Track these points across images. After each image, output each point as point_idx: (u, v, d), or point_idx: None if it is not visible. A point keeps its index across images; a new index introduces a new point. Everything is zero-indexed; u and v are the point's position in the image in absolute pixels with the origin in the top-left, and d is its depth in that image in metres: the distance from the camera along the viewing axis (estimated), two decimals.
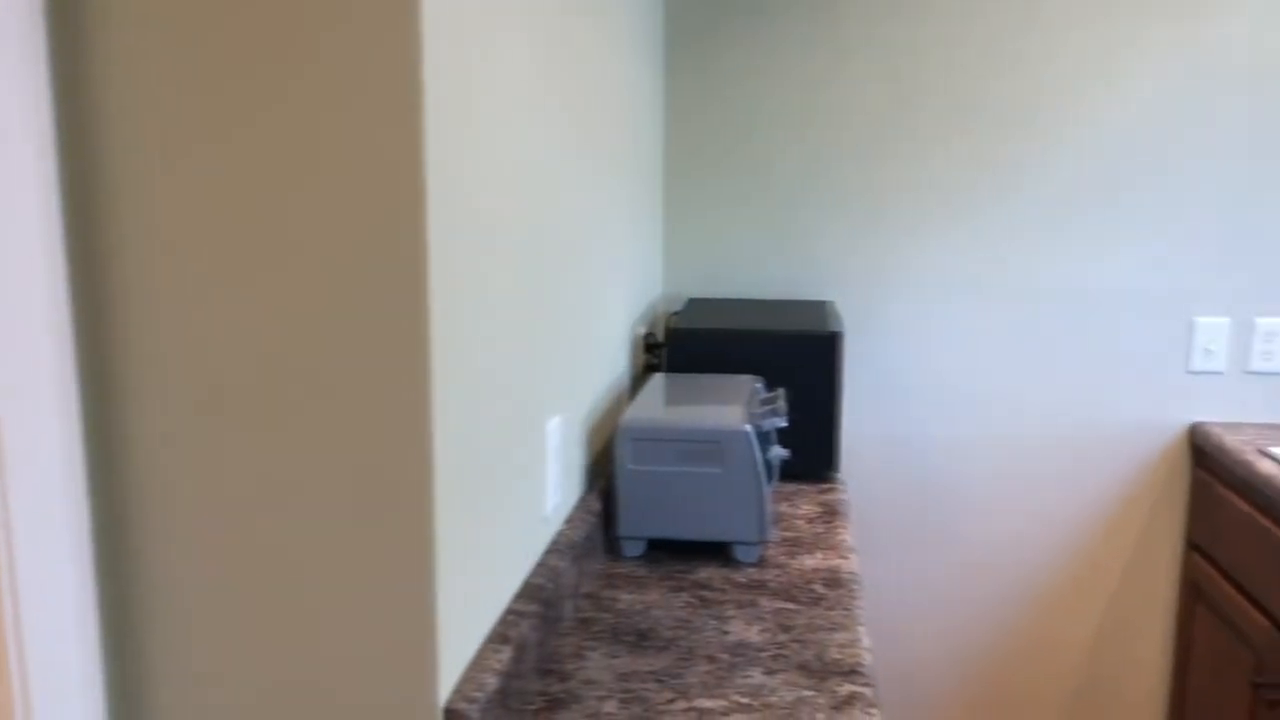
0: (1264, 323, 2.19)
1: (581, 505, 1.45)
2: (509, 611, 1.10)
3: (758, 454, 1.45)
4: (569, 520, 1.39)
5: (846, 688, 1.13)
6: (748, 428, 1.44)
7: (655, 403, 1.56)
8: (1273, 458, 1.96)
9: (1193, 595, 2.22)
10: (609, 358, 1.70)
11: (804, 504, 1.74)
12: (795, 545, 1.55)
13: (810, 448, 1.84)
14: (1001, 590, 2.36)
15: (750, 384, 1.67)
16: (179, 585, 0.88)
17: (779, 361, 1.82)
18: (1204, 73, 2.12)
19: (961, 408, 2.30)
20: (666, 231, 2.32)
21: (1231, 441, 2.07)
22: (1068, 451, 2.29)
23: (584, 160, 1.42)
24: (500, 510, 1.07)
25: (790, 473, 1.85)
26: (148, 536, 0.88)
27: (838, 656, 1.20)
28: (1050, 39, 2.15)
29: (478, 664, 0.98)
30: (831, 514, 1.69)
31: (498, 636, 1.04)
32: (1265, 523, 1.89)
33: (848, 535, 1.60)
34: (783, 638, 1.25)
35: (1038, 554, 2.34)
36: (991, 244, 2.24)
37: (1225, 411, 2.23)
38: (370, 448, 0.84)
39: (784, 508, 1.72)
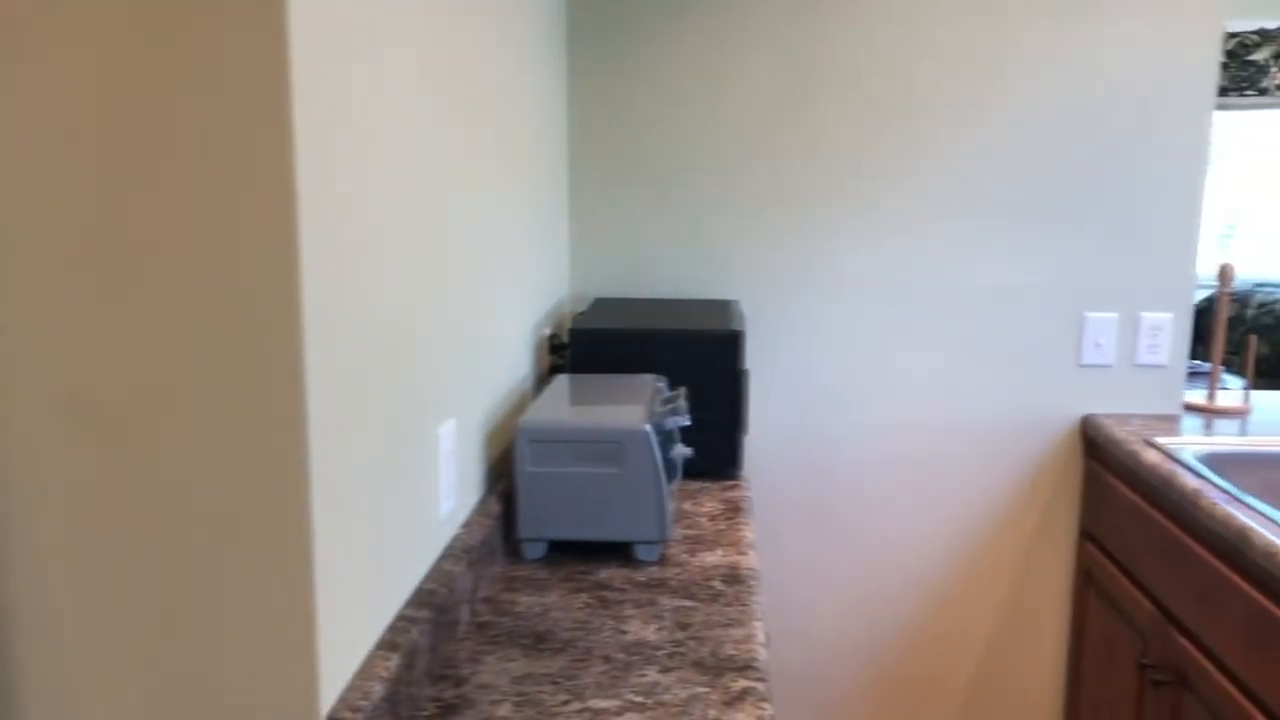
0: (1150, 317, 2.27)
1: (480, 509, 1.44)
2: (399, 618, 1.09)
3: (657, 453, 1.45)
4: (466, 524, 1.38)
5: (740, 683, 1.14)
6: (647, 427, 1.45)
7: (555, 404, 1.56)
8: (1157, 447, 2.03)
9: (1085, 582, 2.29)
10: (510, 360, 1.69)
11: (707, 502, 1.75)
12: (697, 543, 1.56)
13: (714, 446, 1.85)
14: (904, 581, 2.41)
15: (652, 383, 1.68)
16: (48, 597, 0.85)
17: (682, 361, 1.83)
18: (1092, 73, 2.19)
19: (863, 404, 2.34)
20: (573, 232, 2.32)
21: (1119, 432, 2.15)
22: (966, 445, 2.35)
23: (476, 160, 1.41)
24: (388, 517, 1.06)
25: (694, 471, 1.87)
26: (14, 546, 0.85)
27: (733, 653, 1.21)
28: (950, 40, 2.20)
29: (365, 672, 0.97)
30: (734, 511, 1.70)
31: (386, 644, 1.03)
32: (1149, 510, 1.96)
33: (749, 532, 1.61)
34: (680, 635, 1.25)
35: (939, 545, 2.39)
36: (893, 243, 2.28)
37: (1115, 403, 2.31)
38: (241, 455, 0.82)
39: (687, 505, 1.73)
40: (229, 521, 0.83)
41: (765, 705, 1.09)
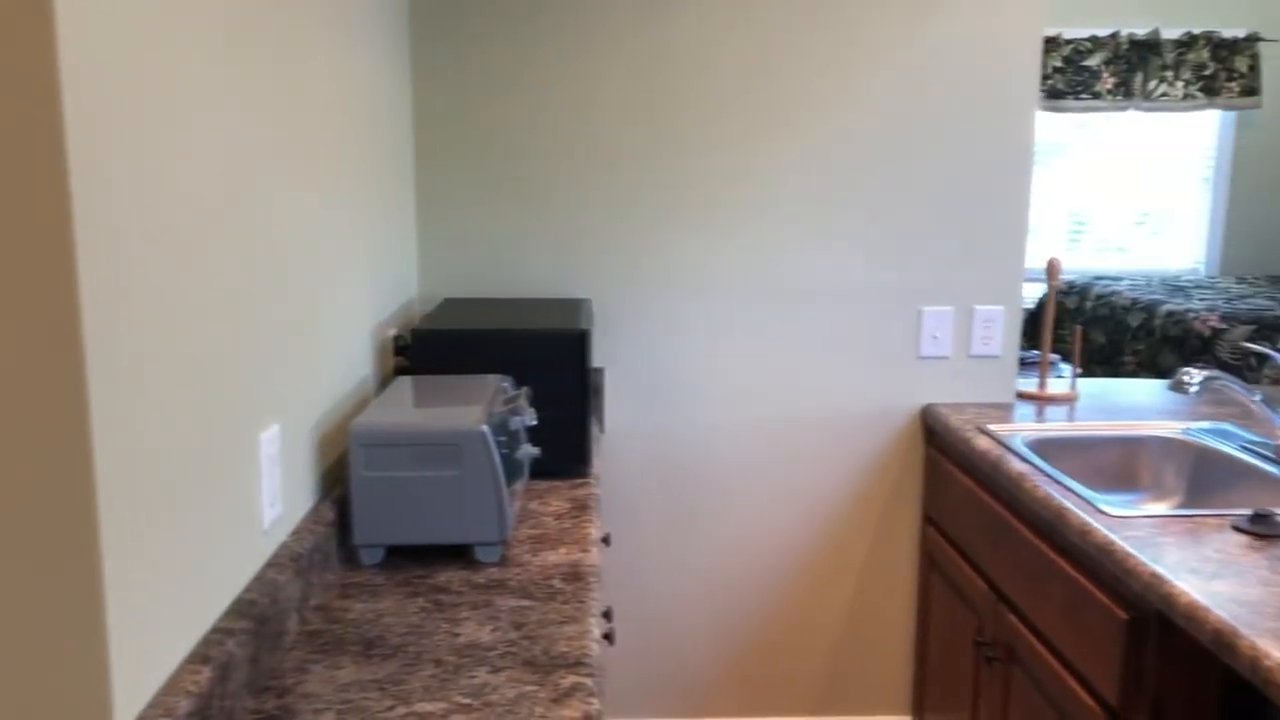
0: (982, 309, 2.37)
1: (312, 515, 1.41)
2: (215, 630, 1.05)
3: (495, 454, 1.45)
4: (296, 532, 1.34)
5: (570, 679, 1.14)
6: (484, 428, 1.44)
7: (391, 406, 1.53)
8: (988, 434, 2.13)
9: (929, 565, 2.39)
10: (349, 362, 1.66)
11: (554, 501, 1.75)
12: (540, 542, 1.56)
13: (562, 445, 1.85)
14: (762, 569, 2.46)
15: (496, 383, 1.67)
16: None
17: (528, 361, 1.83)
18: (923, 76, 2.28)
19: (718, 398, 2.38)
20: (422, 232, 2.29)
21: (954, 421, 2.24)
22: (816, 436, 2.41)
23: (300, 159, 1.38)
24: (199, 526, 1.02)
25: (543, 470, 1.86)
26: None
27: (565, 649, 1.21)
28: (789, 44, 2.25)
29: (171, 687, 0.94)
30: (581, 509, 1.71)
31: (198, 657, 1.00)
32: (981, 494, 2.05)
33: (594, 529, 1.62)
34: (514, 635, 1.25)
35: (793, 533, 2.45)
36: (743, 242, 2.33)
37: (953, 393, 2.41)
38: (13, 462, 0.78)
39: (534, 505, 1.73)
40: (6, 535, 0.79)
41: (593, 700, 1.10)
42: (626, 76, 2.25)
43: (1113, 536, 1.54)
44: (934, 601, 2.35)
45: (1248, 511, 1.59)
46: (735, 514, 2.44)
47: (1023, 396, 2.45)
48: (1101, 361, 4.71)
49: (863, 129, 2.29)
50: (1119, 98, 5.34)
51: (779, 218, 2.32)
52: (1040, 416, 2.29)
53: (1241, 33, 5.32)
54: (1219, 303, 4.36)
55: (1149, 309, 4.42)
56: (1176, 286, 4.90)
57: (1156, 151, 5.58)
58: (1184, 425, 2.18)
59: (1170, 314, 4.26)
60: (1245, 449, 2.00)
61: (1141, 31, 5.29)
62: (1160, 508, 2.08)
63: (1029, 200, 2.35)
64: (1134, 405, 2.38)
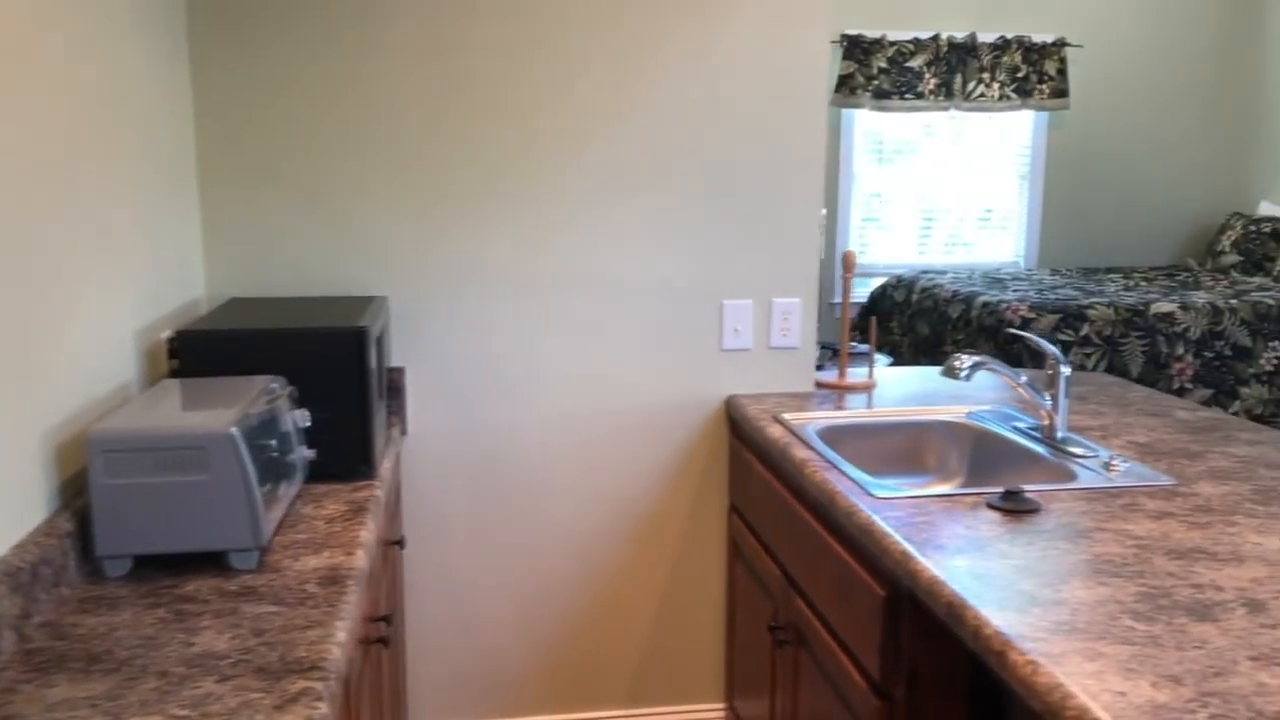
0: (780, 302, 2.43)
1: (44, 528, 1.33)
2: None
3: (246, 457, 1.40)
4: (19, 545, 1.27)
5: (299, 685, 1.11)
6: (232, 430, 1.39)
7: (140, 410, 1.46)
8: (781, 423, 2.18)
9: (734, 553, 2.43)
10: (101, 366, 1.58)
11: (331, 504, 1.71)
12: (304, 547, 1.52)
13: (342, 447, 1.81)
14: (575, 562, 2.46)
15: (264, 384, 1.62)
16: None
17: (304, 360, 1.77)
18: (719, 74, 2.32)
19: (526, 394, 2.37)
20: (209, 230, 2.20)
21: (752, 410, 2.28)
22: (624, 429, 2.43)
23: (30, 157, 1.30)
24: None
25: (324, 473, 1.81)
26: None
27: (303, 654, 1.18)
28: (588, 39, 2.26)
29: None
30: (357, 512, 1.67)
31: None
32: (774, 482, 2.10)
33: (366, 532, 1.58)
34: (252, 643, 1.21)
35: (605, 526, 2.46)
36: (544, 237, 2.32)
37: (754, 384, 2.46)
38: None
39: (308, 509, 1.68)
40: None
41: (319, 704, 1.07)
42: (421, 72, 2.21)
43: (874, 517, 1.59)
44: (739, 590, 2.40)
45: (1001, 489, 1.67)
46: (545, 509, 2.43)
47: (823, 386, 2.51)
48: (925, 351, 4.90)
49: (662, 126, 2.32)
50: (940, 98, 5.56)
51: (581, 213, 2.32)
52: (837, 405, 2.35)
53: (1051, 38, 5.61)
54: (1031, 294, 4.59)
55: (967, 300, 4.62)
56: (996, 279, 5.13)
57: (994, 151, 5.84)
58: (969, 409, 2.28)
59: (985, 305, 4.46)
60: (1017, 430, 2.10)
61: (960, 35, 5.53)
62: (943, 489, 2.17)
63: (821, 196, 2.42)
64: (930, 391, 2.47)
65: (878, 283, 5.56)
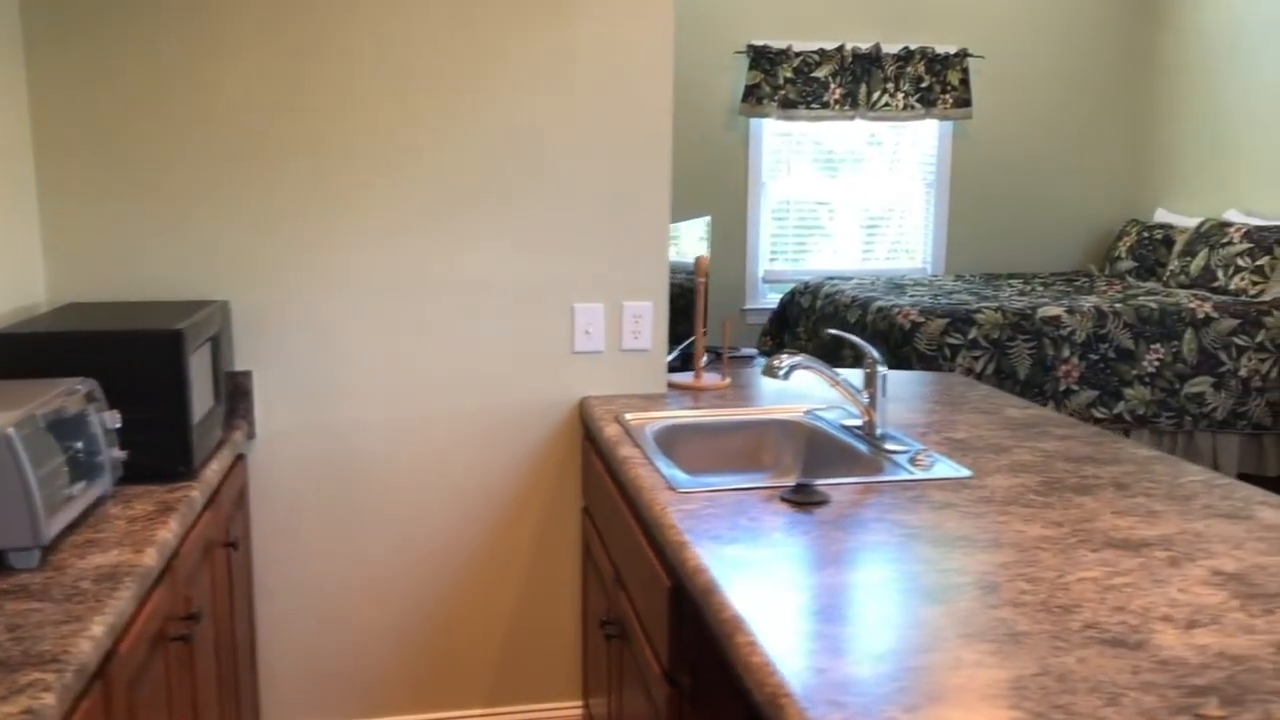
0: (631, 305, 2.48)
1: None
2: None
3: (23, 458, 1.41)
4: None
5: (31, 677, 1.13)
6: (9, 432, 1.40)
7: None
8: (621, 423, 2.22)
9: (586, 554, 2.47)
10: None
11: (141, 504, 1.72)
12: (96, 546, 1.53)
13: (159, 448, 1.82)
14: (433, 566, 2.49)
15: (66, 386, 1.63)
16: None
17: (122, 364, 1.79)
18: (566, 78, 2.36)
19: (379, 396, 2.40)
20: (46, 233, 2.20)
21: (599, 411, 2.33)
22: (478, 431, 2.46)
23: None
24: None
25: (145, 474, 1.82)
26: None
27: (47, 649, 1.20)
28: (429, 38, 2.29)
29: None
30: (164, 512, 1.69)
31: None
32: (608, 480, 2.14)
33: (165, 531, 1.60)
34: (2, 638, 1.23)
35: (462, 530, 2.49)
36: (395, 239, 2.35)
37: (607, 386, 2.50)
38: None
39: (117, 509, 1.69)
40: None
41: (45, 695, 1.09)
42: (266, 74, 2.23)
43: (666, 509, 1.64)
44: (591, 589, 2.43)
45: (793, 482, 1.73)
46: (401, 512, 2.45)
47: (676, 387, 2.56)
48: (827, 356, 4.98)
49: (511, 130, 2.35)
50: (846, 108, 5.66)
51: (432, 215, 2.36)
52: (687, 405, 2.40)
53: (953, 48, 5.74)
54: (925, 299, 4.69)
55: (864, 306, 4.71)
56: (897, 285, 5.24)
57: (905, 159, 5.95)
58: (808, 408, 2.34)
59: (880, 310, 4.55)
60: (844, 428, 2.16)
61: (865, 46, 5.64)
62: (757, 483, 2.22)
63: (669, 200, 2.47)
64: (780, 391, 2.52)
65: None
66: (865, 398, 2.08)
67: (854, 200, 5.96)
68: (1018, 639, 1.18)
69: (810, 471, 2.21)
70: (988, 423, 2.21)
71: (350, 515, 2.43)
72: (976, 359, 4.32)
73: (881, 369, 2.07)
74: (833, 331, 2.11)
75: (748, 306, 5.86)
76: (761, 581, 1.35)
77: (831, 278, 5.49)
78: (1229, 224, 5.03)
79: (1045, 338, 4.38)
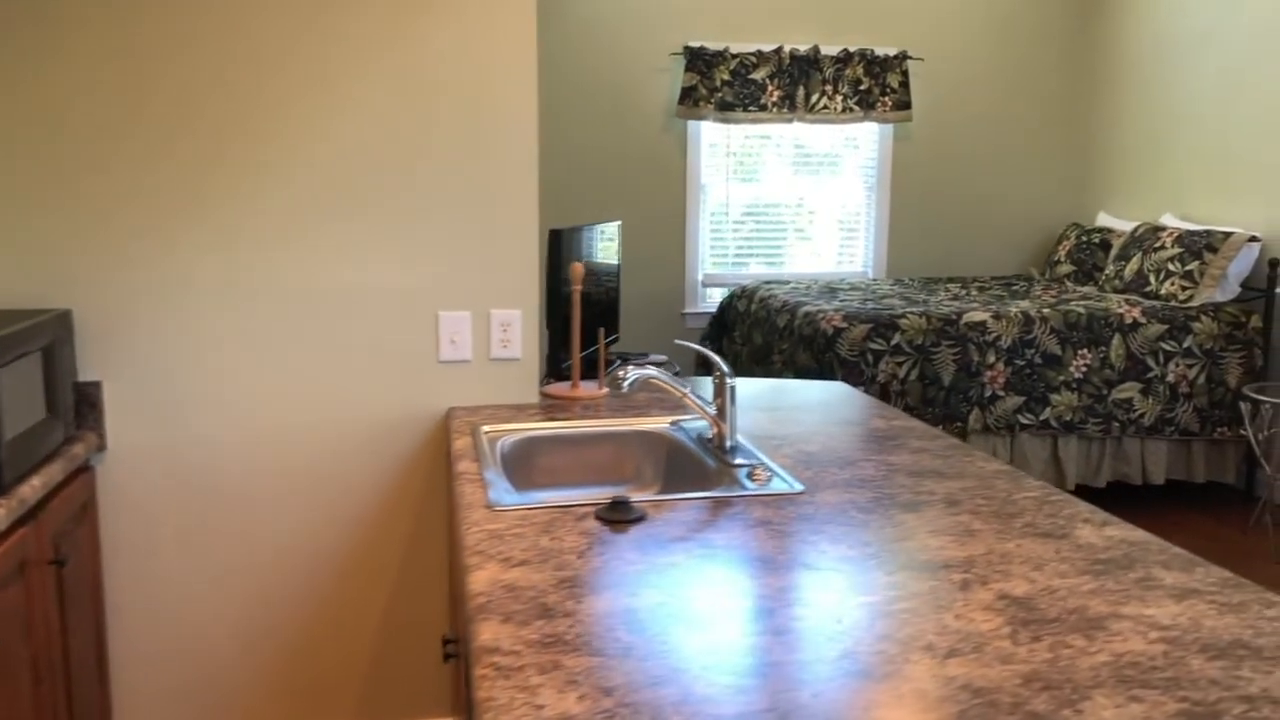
0: (499, 313, 2.43)
1: None
2: None
3: None
4: None
5: None
6: None
7: None
8: (473, 435, 2.17)
9: (454, 567, 2.41)
10: None
11: None
12: None
13: None
14: (297, 581, 2.43)
15: None
16: None
17: None
18: (427, 83, 2.31)
19: (236, 409, 2.34)
20: None
21: (457, 423, 2.27)
22: (344, 443, 2.40)
23: None
24: None
25: None
26: None
27: None
28: (280, 48, 2.23)
29: None
30: None
31: None
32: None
33: None
34: None
35: (328, 543, 2.43)
36: (248, 248, 2.29)
37: (475, 396, 2.45)
38: None
39: None
40: None
41: None
42: (111, 79, 2.17)
43: (471, 530, 1.59)
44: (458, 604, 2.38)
45: (609, 499, 1.68)
46: (263, 527, 2.40)
47: (550, 397, 2.51)
48: (758, 361, 4.94)
49: (373, 136, 2.30)
50: (784, 110, 5.62)
51: (292, 223, 2.30)
52: (557, 416, 2.35)
53: (893, 51, 5.71)
54: (853, 304, 4.65)
55: (793, 310, 4.66)
56: (831, 289, 5.19)
57: (848, 162, 5.91)
58: (674, 419, 2.29)
59: (806, 315, 4.51)
60: (698, 441, 2.11)
61: (803, 48, 5.60)
62: (584, 498, 2.17)
63: (536, 206, 2.42)
64: (662, 399, 2.47)
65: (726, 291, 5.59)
66: (713, 409, 2.03)
67: (796, 203, 5.92)
68: (765, 670, 1.14)
69: (670, 484, 2.16)
70: (848, 434, 2.16)
71: (209, 530, 2.37)
72: (900, 365, 4.28)
73: (730, 381, 2.02)
74: (679, 341, 2.06)
75: (687, 310, 5.82)
76: (529, 609, 1.30)
77: (769, 282, 5.45)
78: (1162, 228, 5.00)
79: (970, 343, 4.34)
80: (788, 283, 5.41)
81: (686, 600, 1.32)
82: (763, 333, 4.91)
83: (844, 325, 4.29)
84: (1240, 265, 4.65)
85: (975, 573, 1.41)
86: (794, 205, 5.92)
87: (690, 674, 1.13)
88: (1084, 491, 4.61)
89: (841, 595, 1.34)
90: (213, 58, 2.21)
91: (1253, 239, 4.64)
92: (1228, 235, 4.66)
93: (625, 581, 1.38)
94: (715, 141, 5.75)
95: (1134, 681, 1.10)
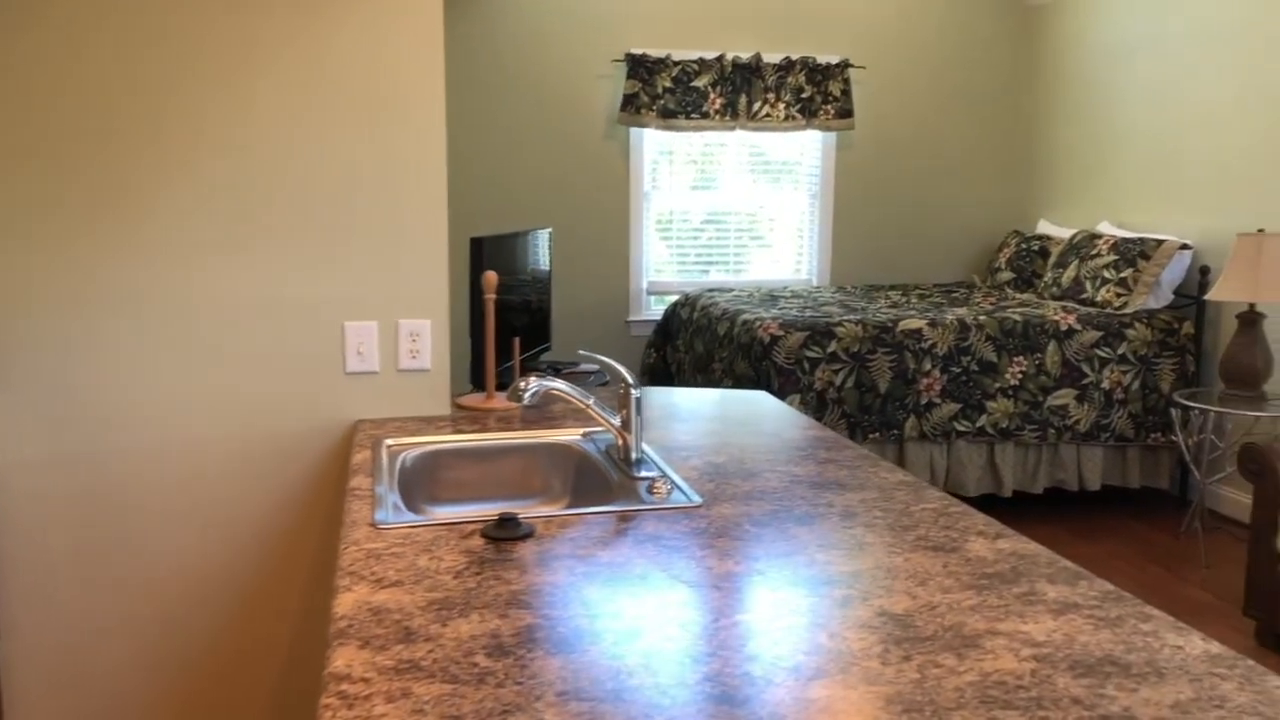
0: (407, 324, 2.37)
1: None
2: None
3: None
4: None
5: None
6: None
7: None
8: (373, 449, 2.11)
9: None
10: None
11: None
12: None
13: None
14: (201, 600, 2.36)
15: None
16: None
17: None
18: (333, 90, 2.25)
19: (135, 423, 2.26)
20: None
21: (360, 437, 2.22)
22: (250, 457, 2.34)
23: None
24: None
25: None
26: None
27: None
28: (181, 54, 2.17)
29: None
30: None
31: None
32: None
33: None
34: None
35: (233, 560, 2.36)
36: (147, 258, 2.22)
37: (384, 408, 2.39)
38: None
39: None
40: None
41: None
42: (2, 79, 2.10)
43: (347, 550, 1.53)
44: None
45: (497, 516, 1.63)
46: (163, 544, 2.32)
47: (463, 408, 2.46)
48: (700, 369, 4.91)
49: (277, 140, 2.24)
50: (727, 118, 5.61)
51: (191, 231, 2.23)
52: (469, 428, 2.30)
53: (835, 59, 5.72)
54: (791, 311, 4.64)
55: (732, 318, 4.64)
56: (772, 296, 5.18)
57: (793, 170, 5.91)
58: (585, 430, 2.25)
59: (745, 323, 4.49)
60: (604, 453, 2.07)
61: (745, 56, 5.59)
62: (545, 512, 2.13)
63: (445, 213, 2.37)
64: (580, 409, 2.43)
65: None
66: (618, 420, 1.99)
67: (755, 210, 5.91)
68: (623, 695, 1.09)
69: (578, 498, 2.12)
70: (759, 445, 2.13)
71: (107, 548, 2.29)
72: (836, 372, 4.27)
73: (635, 392, 1.98)
74: (582, 352, 2.02)
75: (632, 318, 5.78)
76: (391, 633, 1.25)
77: (712, 289, 5.43)
78: (1099, 236, 5.04)
79: (907, 351, 4.34)
80: (731, 290, 5.40)
81: (557, 622, 1.28)
82: (704, 341, 4.89)
83: (780, 333, 4.28)
84: (1173, 273, 4.69)
85: (858, 588, 1.38)
86: (752, 212, 5.92)
87: (544, 701, 1.08)
88: (1021, 498, 4.63)
89: (718, 614, 1.30)
90: (114, 68, 2.14)
91: (1184, 247, 4.69)
92: (1160, 243, 4.71)
93: (498, 603, 1.34)
94: (671, 149, 5.73)
95: (996, 702, 1.07)
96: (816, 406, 4.26)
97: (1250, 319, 4.08)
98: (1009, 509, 4.52)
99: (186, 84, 2.18)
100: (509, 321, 3.02)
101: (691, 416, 2.41)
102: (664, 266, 5.90)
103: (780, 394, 4.20)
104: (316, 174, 2.27)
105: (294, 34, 2.22)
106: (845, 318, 4.43)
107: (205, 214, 2.23)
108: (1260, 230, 4.17)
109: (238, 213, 2.25)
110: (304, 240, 2.29)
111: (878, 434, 4.34)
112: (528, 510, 1.81)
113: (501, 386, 2.50)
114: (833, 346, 4.28)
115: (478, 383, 2.72)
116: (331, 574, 2.41)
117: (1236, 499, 4.45)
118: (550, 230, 3.55)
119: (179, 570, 2.33)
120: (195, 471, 2.31)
